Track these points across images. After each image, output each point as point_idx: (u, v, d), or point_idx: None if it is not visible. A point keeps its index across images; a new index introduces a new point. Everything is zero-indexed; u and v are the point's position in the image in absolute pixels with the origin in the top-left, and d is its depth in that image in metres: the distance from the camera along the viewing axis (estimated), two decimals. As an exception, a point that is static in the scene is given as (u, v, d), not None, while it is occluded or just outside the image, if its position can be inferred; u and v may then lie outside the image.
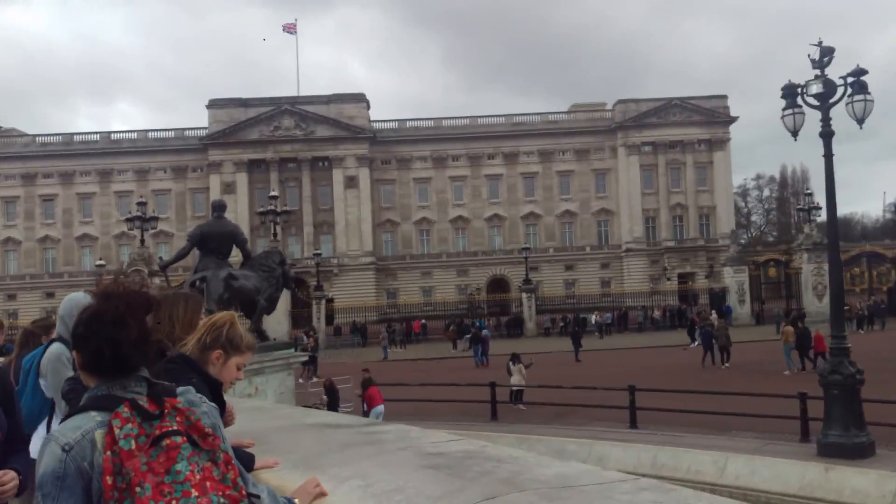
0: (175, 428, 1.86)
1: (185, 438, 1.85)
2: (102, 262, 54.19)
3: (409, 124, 76.79)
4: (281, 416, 4.24)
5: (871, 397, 12.64)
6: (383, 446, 3.21)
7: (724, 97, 76.32)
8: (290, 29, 73.27)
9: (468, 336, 42.85)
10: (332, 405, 17.72)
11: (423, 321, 53.45)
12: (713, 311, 44.90)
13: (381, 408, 16.98)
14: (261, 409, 3.29)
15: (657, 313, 52.68)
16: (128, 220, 39.65)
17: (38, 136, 75.73)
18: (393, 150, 74.56)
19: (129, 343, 1.93)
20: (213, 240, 12.11)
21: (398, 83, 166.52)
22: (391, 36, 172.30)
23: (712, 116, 74.85)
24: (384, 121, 76.71)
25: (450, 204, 75.04)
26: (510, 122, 76.82)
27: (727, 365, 26.62)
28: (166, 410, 1.89)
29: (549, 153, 75.50)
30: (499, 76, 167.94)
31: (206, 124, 72.73)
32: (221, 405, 3.01)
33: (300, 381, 22.47)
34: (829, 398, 12.23)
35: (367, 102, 74.30)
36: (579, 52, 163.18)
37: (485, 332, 36.10)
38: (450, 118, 77.42)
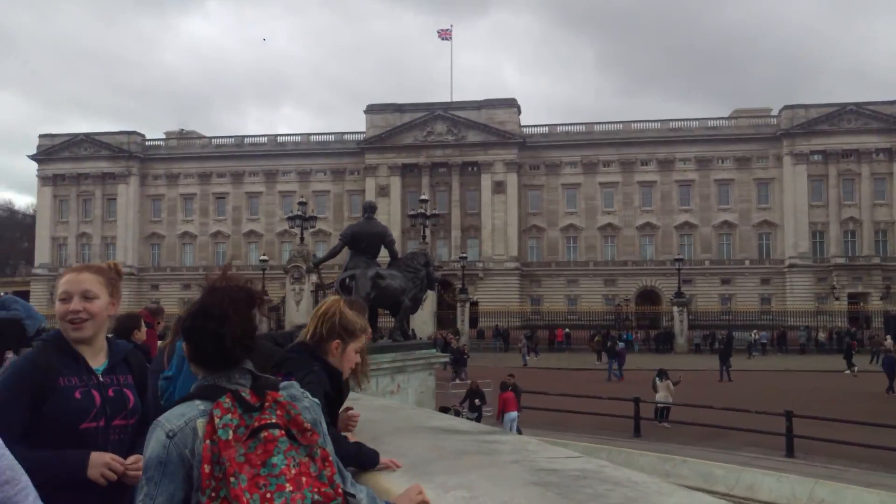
0: (274, 421, 1.87)
1: (283, 432, 1.86)
2: (266, 258, 57.86)
3: (559, 129, 76.07)
4: (403, 417, 4.27)
5: None
6: (496, 457, 3.11)
7: (910, 101, 69.45)
8: (444, 35, 74.89)
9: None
10: (478, 408, 17.84)
11: (567, 330, 52.71)
12: (888, 336, 41.03)
13: (514, 414, 16.92)
14: (386, 409, 3.33)
15: (822, 335, 48.84)
16: (289, 218, 42.16)
17: (214, 138, 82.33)
18: (542, 156, 74.17)
19: (231, 338, 1.98)
20: (363, 240, 12.55)
21: (550, 87, 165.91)
22: (544, 40, 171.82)
23: (894, 123, 68.38)
24: (534, 126, 76.53)
25: (599, 211, 73.51)
26: (666, 127, 74.11)
27: None
28: (267, 403, 1.91)
29: (707, 160, 72.10)
30: (655, 80, 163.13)
31: (363, 128, 75.84)
32: (341, 394, 3.05)
33: (458, 380, 22.60)
34: None
35: (518, 108, 74.44)
36: (743, 55, 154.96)
37: (620, 345, 34.89)
38: (602, 123, 75.92)
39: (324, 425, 2.04)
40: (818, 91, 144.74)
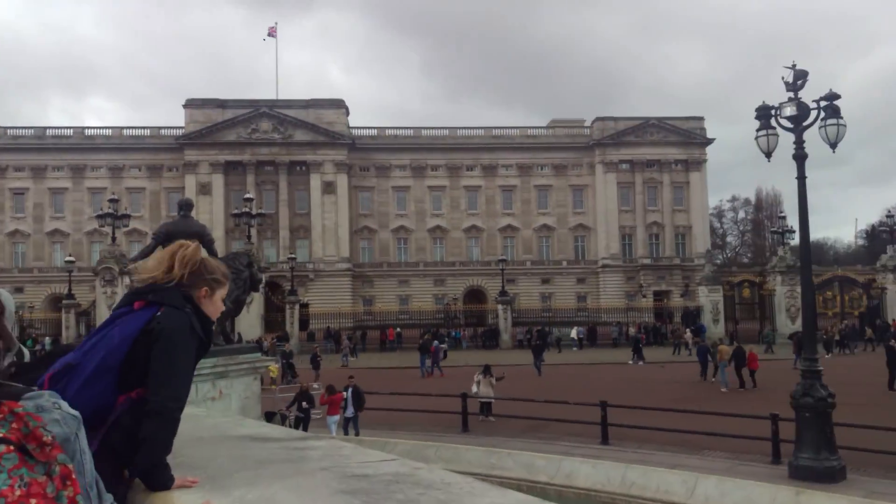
0: (2, 435, 1.64)
1: (11, 448, 1.63)
2: (72, 259, 53.17)
3: (388, 132, 76.66)
4: (209, 426, 3.97)
5: (843, 421, 12.57)
6: (304, 465, 2.95)
7: (701, 118, 77.18)
8: (271, 32, 72.87)
9: (443, 346, 42.67)
10: (306, 410, 17.38)
11: (398, 329, 53.08)
12: (688, 330, 45.12)
13: (336, 418, 16.72)
14: (190, 417, 3.05)
15: (632, 330, 52.80)
16: (99, 216, 38.91)
17: (10, 128, 74.30)
18: (372, 158, 74.34)
19: None
20: (179, 238, 11.74)
21: (377, 89, 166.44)
22: (370, 41, 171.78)
23: (689, 137, 75.63)
24: (363, 127, 76.52)
25: (428, 213, 74.92)
26: (489, 134, 77.03)
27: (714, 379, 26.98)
28: (0, 415, 1.68)
29: (527, 167, 75.80)
30: (478, 87, 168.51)
31: (182, 123, 71.90)
32: (211, 343, 2.88)
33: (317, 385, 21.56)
34: (801, 421, 12.14)
35: (347, 108, 74.07)
36: (560, 67, 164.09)
37: (435, 343, 35.65)
38: (429, 128, 77.42)
39: (81, 441, 1.80)
40: (626, 104, 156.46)
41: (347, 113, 74.26)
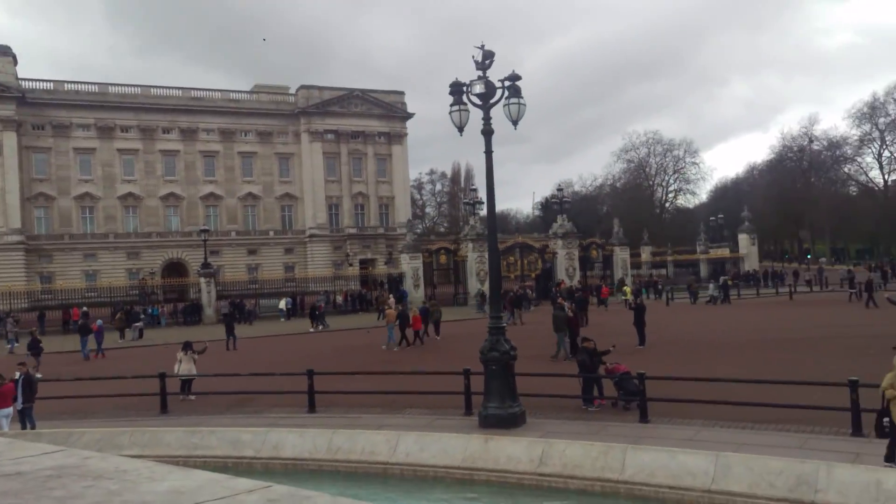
0: None
1: None
2: None
3: (67, 87, 68.17)
4: None
5: (521, 371, 14.09)
6: None
7: (402, 93, 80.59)
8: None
9: (138, 325, 39.56)
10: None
11: (86, 308, 47.97)
12: (391, 295, 47.18)
13: (8, 411, 14.72)
14: None
15: (340, 298, 53.81)
16: None
17: None
18: (48, 115, 65.71)
19: None
20: None
21: (52, 38, 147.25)
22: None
23: (391, 111, 78.61)
24: (36, 80, 67.12)
25: (118, 179, 68.53)
26: (188, 95, 72.47)
27: (439, 338, 29.34)
28: None
29: (230, 132, 72.87)
30: (174, 43, 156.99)
31: None
32: None
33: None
34: (489, 373, 13.37)
35: (14, 57, 64.45)
36: (262, 30, 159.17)
37: (99, 321, 32.99)
38: (118, 84, 70.47)
39: None
40: (330, 75, 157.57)
41: (15, 62, 64.61)
